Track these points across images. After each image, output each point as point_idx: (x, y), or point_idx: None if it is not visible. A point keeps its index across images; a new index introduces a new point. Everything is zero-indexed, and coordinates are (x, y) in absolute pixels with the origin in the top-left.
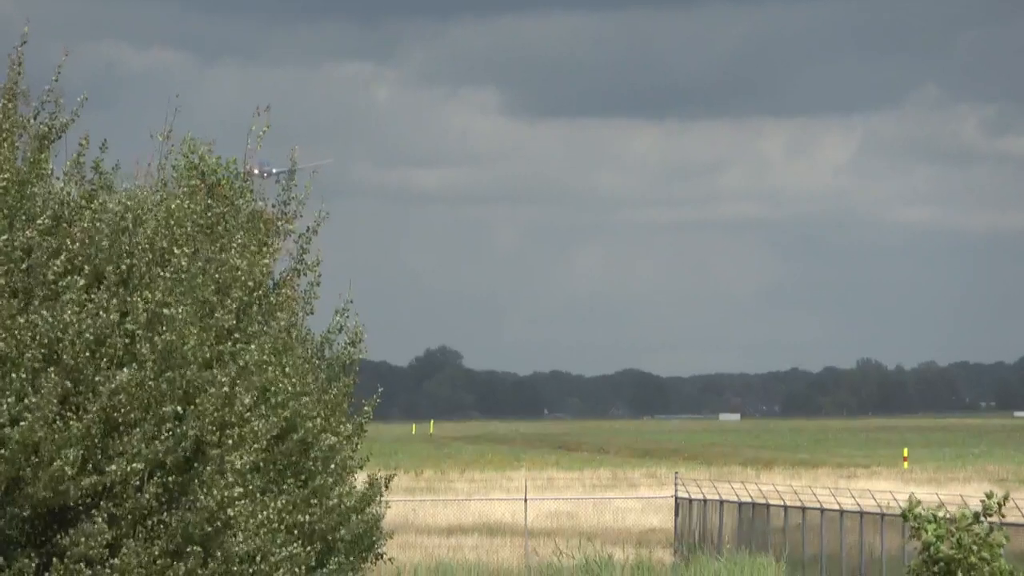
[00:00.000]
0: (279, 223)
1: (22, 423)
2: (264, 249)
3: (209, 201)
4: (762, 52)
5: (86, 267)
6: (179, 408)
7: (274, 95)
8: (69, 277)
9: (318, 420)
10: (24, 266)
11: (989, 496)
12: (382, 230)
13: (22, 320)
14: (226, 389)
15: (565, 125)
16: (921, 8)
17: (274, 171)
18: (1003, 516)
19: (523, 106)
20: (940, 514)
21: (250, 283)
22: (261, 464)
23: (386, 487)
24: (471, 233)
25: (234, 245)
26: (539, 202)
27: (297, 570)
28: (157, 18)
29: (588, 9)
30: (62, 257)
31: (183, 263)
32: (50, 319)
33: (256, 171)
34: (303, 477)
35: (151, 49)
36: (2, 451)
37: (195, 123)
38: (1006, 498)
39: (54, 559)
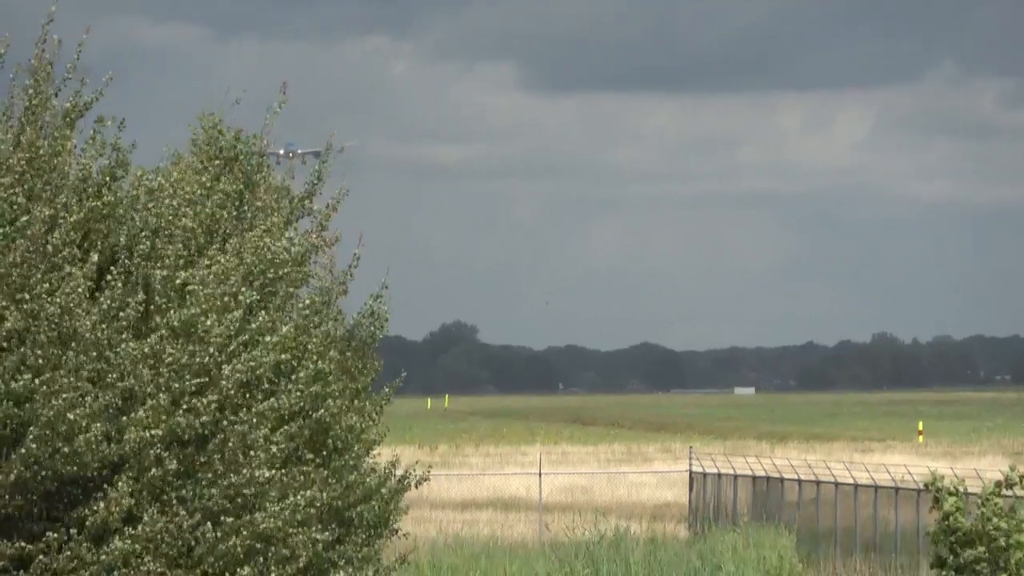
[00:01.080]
0: (304, 201)
1: (55, 402)
2: (290, 228)
3: (223, 178)
4: (780, 27)
5: (99, 242)
6: (201, 381)
7: (291, 70)
8: (68, 250)
9: (339, 401)
10: (23, 241)
11: (1012, 469)
12: (398, 204)
13: (27, 295)
14: (252, 364)
15: (582, 100)
16: None
17: (299, 151)
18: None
19: (540, 81)
20: (961, 488)
21: (276, 260)
22: (278, 436)
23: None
24: (487, 208)
25: (261, 224)
26: (556, 177)
27: (316, 549)
28: None
29: None
30: (60, 230)
31: (199, 238)
32: (57, 290)
33: (281, 152)
34: (324, 453)
35: (168, 23)
36: (32, 428)
37: (212, 98)
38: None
39: (72, 531)
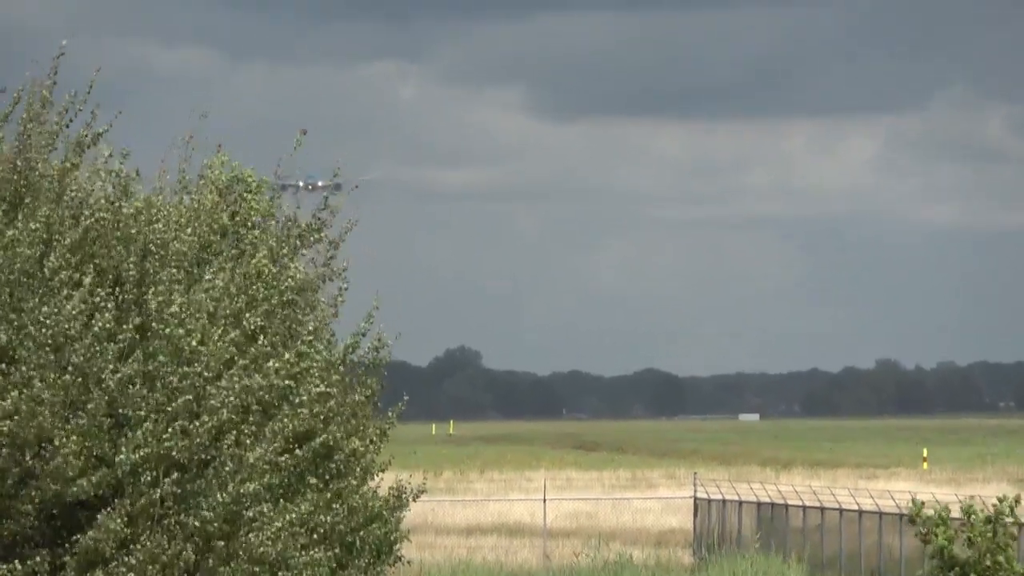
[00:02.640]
0: (312, 228)
1: (17, 417)
2: (295, 256)
3: (228, 206)
4: (789, 51)
5: (92, 263)
6: (193, 402)
7: (301, 94)
8: (65, 273)
9: (341, 425)
10: (19, 263)
11: (1001, 500)
12: (404, 228)
13: (24, 315)
14: (246, 382)
15: (589, 124)
16: (950, 8)
17: (320, 183)
18: (1015, 518)
19: (548, 105)
20: (944, 514)
21: (281, 287)
22: (281, 462)
23: (414, 499)
24: (493, 232)
25: (263, 250)
26: (561, 200)
27: (318, 572)
28: (185, 16)
29: (614, 9)
30: (57, 252)
31: (189, 258)
32: (54, 313)
33: (301, 184)
34: (326, 478)
35: (180, 47)
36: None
37: (223, 123)
38: (1017, 500)
39: (67, 558)
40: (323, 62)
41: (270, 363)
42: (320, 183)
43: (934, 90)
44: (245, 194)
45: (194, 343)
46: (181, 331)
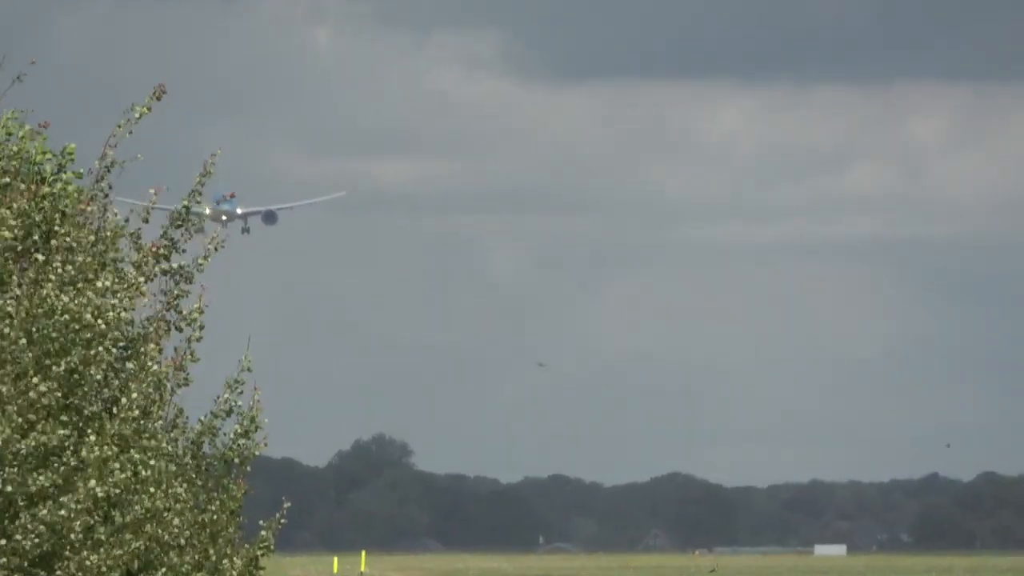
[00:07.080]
0: (152, 252)
1: None
2: (127, 288)
3: (29, 208)
4: None
5: None
6: None
7: (162, 42)
8: None
9: (189, 554)
10: None
11: None
12: (302, 253)
13: None
14: (52, 518)
15: (602, 91)
16: None
17: (239, 212)
18: None
19: (537, 62)
20: None
21: (88, 335)
22: None
23: None
24: (444, 257)
25: (73, 279)
26: (553, 211)
27: None
28: None
29: None
30: None
31: None
32: None
33: (208, 212)
34: None
35: None
36: None
37: (39, 87)
38: None
39: None
40: None
41: (90, 483)
42: (240, 211)
43: None
44: (46, 186)
45: None
46: None
